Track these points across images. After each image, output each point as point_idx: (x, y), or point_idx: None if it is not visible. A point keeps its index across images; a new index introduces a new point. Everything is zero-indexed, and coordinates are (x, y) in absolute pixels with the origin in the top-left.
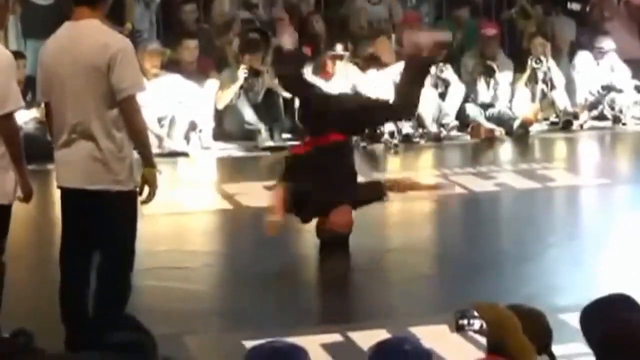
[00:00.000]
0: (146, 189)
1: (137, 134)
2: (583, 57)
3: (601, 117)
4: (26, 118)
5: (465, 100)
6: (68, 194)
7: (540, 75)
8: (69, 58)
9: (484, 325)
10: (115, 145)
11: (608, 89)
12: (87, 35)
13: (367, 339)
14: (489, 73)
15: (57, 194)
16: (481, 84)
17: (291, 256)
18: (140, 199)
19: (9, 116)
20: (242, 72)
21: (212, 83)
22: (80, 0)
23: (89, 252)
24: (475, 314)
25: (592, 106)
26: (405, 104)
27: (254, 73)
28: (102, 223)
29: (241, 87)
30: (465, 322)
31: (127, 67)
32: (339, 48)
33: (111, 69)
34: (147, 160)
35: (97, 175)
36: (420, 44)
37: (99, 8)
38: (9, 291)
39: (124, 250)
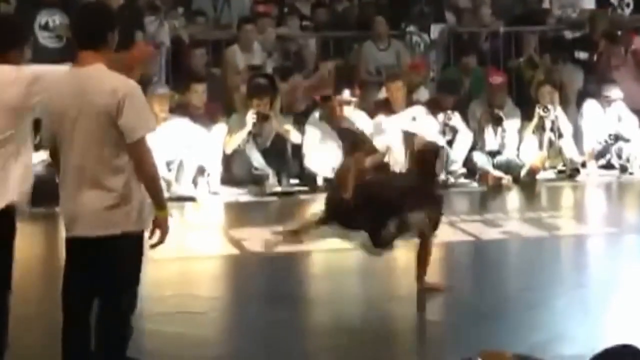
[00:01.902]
0: (157, 232)
1: (148, 177)
2: (590, 106)
3: (608, 166)
4: (35, 160)
5: (473, 147)
6: (76, 242)
7: (547, 124)
8: (77, 102)
9: None
10: (122, 189)
11: (615, 138)
12: (96, 78)
13: None
14: (497, 122)
15: (64, 238)
16: (489, 132)
17: (297, 302)
18: (150, 242)
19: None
20: (250, 117)
21: (221, 128)
22: (85, 44)
23: (92, 295)
24: None
25: (600, 155)
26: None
27: (262, 118)
28: (108, 267)
29: (249, 132)
30: None
31: (136, 109)
32: (346, 94)
33: (120, 111)
34: (159, 203)
35: (105, 222)
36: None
37: (104, 52)
38: (15, 331)
39: (128, 294)
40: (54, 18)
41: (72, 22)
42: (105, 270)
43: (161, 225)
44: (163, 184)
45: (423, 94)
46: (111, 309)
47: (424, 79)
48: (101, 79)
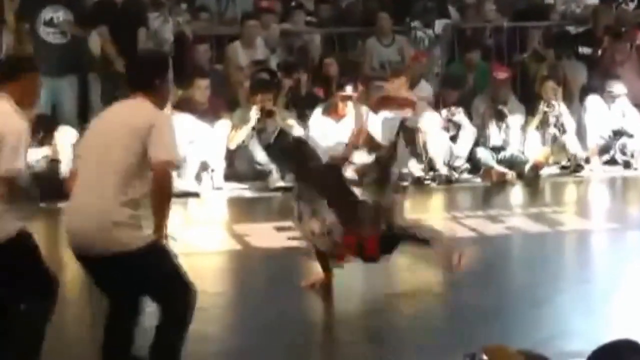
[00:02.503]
0: None
1: (161, 202)
2: (594, 102)
3: (612, 161)
4: (37, 156)
5: (477, 143)
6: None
7: (551, 119)
8: (113, 124)
9: None
10: (131, 211)
11: (619, 133)
12: (136, 107)
13: None
14: (500, 117)
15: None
16: (492, 128)
17: (301, 298)
18: None
19: None
20: (254, 113)
21: (224, 123)
22: (134, 85)
23: (127, 310)
24: (484, 357)
25: (603, 151)
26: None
27: (266, 114)
28: (131, 282)
29: (253, 128)
30: None
31: (165, 135)
32: (348, 89)
33: (150, 133)
34: (158, 230)
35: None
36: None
37: (153, 95)
38: None
39: (169, 304)
40: (58, 14)
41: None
42: (128, 283)
43: None
44: None
45: (425, 88)
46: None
47: (426, 70)
48: (141, 108)
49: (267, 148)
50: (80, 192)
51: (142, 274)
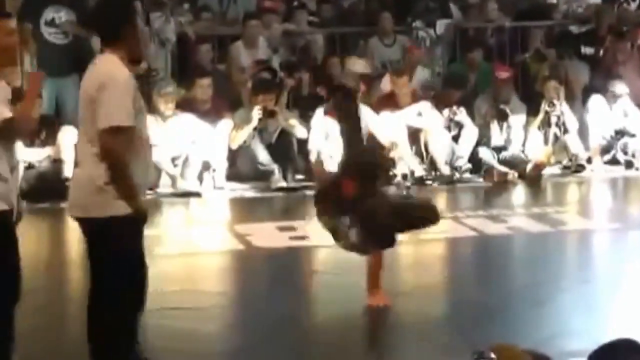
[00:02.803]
0: None
1: (114, 177)
2: (596, 101)
3: (614, 161)
4: (40, 157)
5: (478, 143)
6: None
7: (553, 119)
8: (82, 88)
9: None
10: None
11: (621, 133)
12: (94, 69)
13: None
14: (502, 117)
15: (69, 233)
16: (494, 127)
17: (302, 298)
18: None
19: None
20: (256, 113)
21: (226, 123)
22: (101, 34)
23: (95, 280)
24: (493, 355)
25: (605, 150)
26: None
27: (268, 113)
28: (95, 250)
29: (255, 128)
30: None
31: (110, 98)
32: None
33: (97, 98)
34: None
35: (90, 204)
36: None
37: (117, 46)
38: (21, 332)
39: (113, 284)
40: (60, 15)
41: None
42: (94, 251)
43: None
44: (168, 180)
45: (422, 73)
46: (102, 301)
47: (421, 61)
48: (100, 66)
49: None
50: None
51: (103, 244)
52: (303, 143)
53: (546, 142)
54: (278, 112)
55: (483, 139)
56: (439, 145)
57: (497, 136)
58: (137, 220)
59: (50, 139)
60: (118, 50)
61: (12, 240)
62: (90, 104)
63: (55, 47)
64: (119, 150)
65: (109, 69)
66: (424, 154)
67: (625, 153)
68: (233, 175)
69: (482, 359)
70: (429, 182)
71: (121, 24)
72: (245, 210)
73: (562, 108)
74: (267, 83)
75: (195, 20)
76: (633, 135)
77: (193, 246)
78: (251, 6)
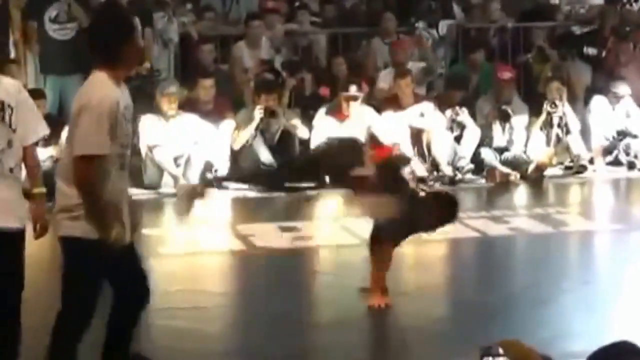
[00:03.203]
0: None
1: (87, 204)
2: (598, 102)
3: (616, 162)
4: (43, 156)
5: (481, 143)
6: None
7: (555, 120)
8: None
9: None
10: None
11: (623, 134)
12: (85, 86)
13: None
14: (505, 118)
15: None
16: (496, 128)
17: (304, 298)
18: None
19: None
20: (258, 112)
21: (229, 123)
22: (97, 56)
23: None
24: (500, 351)
25: (607, 151)
26: None
27: (270, 113)
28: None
29: (257, 128)
30: (489, 359)
31: (83, 123)
32: (353, 89)
33: (76, 121)
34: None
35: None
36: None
37: (112, 67)
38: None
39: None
40: (65, 10)
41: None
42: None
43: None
44: (171, 180)
45: (413, 66)
46: None
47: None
48: (84, 87)
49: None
50: None
51: (66, 264)
52: (305, 143)
53: (548, 142)
54: (279, 112)
55: (485, 140)
56: (441, 145)
57: (499, 137)
58: (105, 246)
59: (53, 139)
60: (113, 70)
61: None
62: (72, 125)
63: (59, 43)
64: (91, 180)
65: (94, 91)
66: (426, 154)
67: (628, 154)
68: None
69: (489, 355)
70: (431, 182)
71: (119, 46)
72: (247, 210)
73: (564, 109)
74: (269, 83)
75: (197, 20)
76: (635, 136)
77: (195, 246)
78: (253, 6)
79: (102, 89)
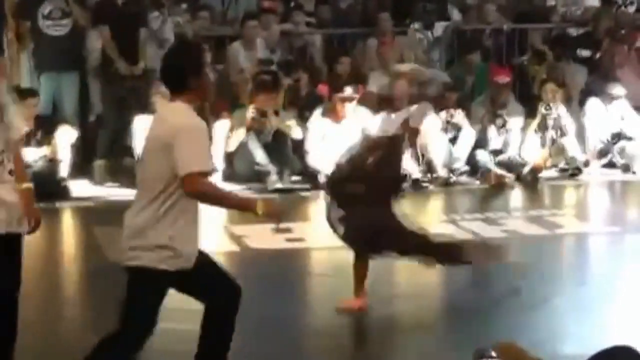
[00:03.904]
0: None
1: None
2: (593, 104)
3: (611, 164)
4: (36, 156)
5: (476, 145)
6: None
7: (550, 122)
8: (150, 136)
9: None
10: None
11: (618, 136)
12: (168, 115)
13: None
14: (500, 123)
15: (64, 234)
16: (492, 130)
17: (298, 299)
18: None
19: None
20: (249, 113)
21: (223, 124)
22: (169, 85)
23: None
24: (494, 353)
25: (602, 154)
26: None
27: (261, 114)
28: None
29: (250, 128)
30: None
31: (187, 145)
32: (348, 91)
33: (174, 144)
34: None
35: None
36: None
37: (186, 94)
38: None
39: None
40: (59, 5)
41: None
42: None
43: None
44: None
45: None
46: None
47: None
48: (170, 116)
49: None
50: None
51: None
52: (299, 144)
53: (543, 145)
54: (269, 112)
55: (480, 142)
56: (436, 147)
57: (494, 139)
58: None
59: (47, 139)
60: (187, 98)
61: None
62: (162, 151)
63: (53, 39)
64: (208, 189)
65: (183, 117)
66: (421, 156)
67: (623, 156)
68: (229, 176)
69: (483, 358)
70: (425, 184)
71: (190, 76)
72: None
73: (559, 111)
74: (267, 83)
75: (193, 20)
76: (630, 139)
77: None
78: (252, 6)
79: (191, 115)
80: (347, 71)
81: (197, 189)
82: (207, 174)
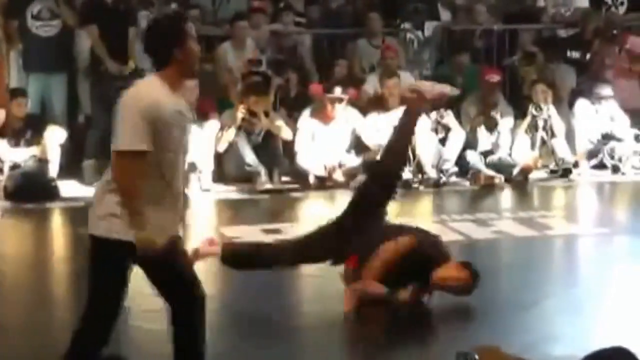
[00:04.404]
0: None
1: (122, 198)
2: (583, 106)
3: (600, 165)
4: (25, 156)
5: (466, 146)
6: None
7: (540, 123)
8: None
9: None
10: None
11: (608, 137)
12: (130, 90)
13: None
14: (491, 123)
15: (55, 234)
16: (482, 131)
17: (287, 300)
18: None
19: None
20: (239, 113)
21: (213, 124)
22: (154, 59)
23: None
24: (476, 356)
25: (592, 155)
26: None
27: (251, 114)
28: None
29: (240, 128)
30: None
31: (121, 121)
32: (337, 91)
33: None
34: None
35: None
36: (423, 93)
37: (171, 67)
38: (4, 334)
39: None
40: (49, 4)
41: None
42: None
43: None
44: None
45: (407, 77)
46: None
47: (399, 62)
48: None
49: None
50: None
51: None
52: (289, 144)
53: (533, 146)
54: (259, 112)
55: (470, 143)
56: (426, 148)
57: (484, 140)
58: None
59: (36, 139)
60: (167, 74)
61: None
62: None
63: (42, 40)
64: (128, 177)
65: (141, 92)
66: (411, 156)
67: (612, 157)
68: (219, 176)
69: None
70: (415, 185)
71: (172, 49)
72: (231, 212)
73: (549, 112)
74: (259, 85)
75: None
76: (620, 140)
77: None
78: (242, 6)
79: (155, 92)
80: (344, 73)
81: (114, 172)
82: (135, 154)
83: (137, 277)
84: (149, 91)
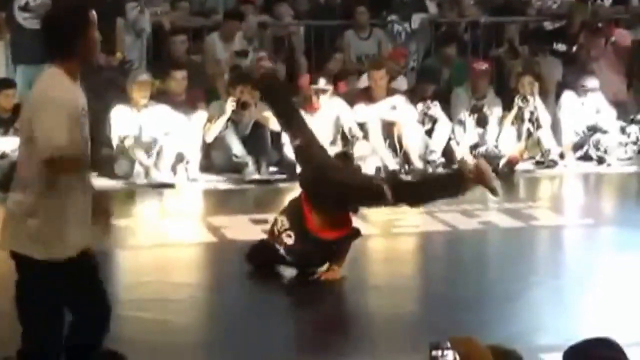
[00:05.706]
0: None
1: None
2: (569, 97)
3: (586, 157)
4: (14, 146)
5: (452, 137)
6: None
7: (526, 115)
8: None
9: (457, 358)
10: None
11: (593, 129)
12: (39, 83)
13: None
14: (480, 115)
15: None
16: (469, 123)
17: (275, 290)
18: None
19: None
20: (229, 104)
21: (201, 115)
22: (53, 53)
23: None
24: (449, 345)
25: (577, 146)
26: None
27: (242, 105)
28: None
29: (229, 119)
30: (438, 353)
31: (44, 119)
32: (322, 82)
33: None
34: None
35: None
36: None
37: (66, 61)
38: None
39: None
40: None
41: None
42: None
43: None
44: (142, 171)
45: (402, 83)
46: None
47: (402, 69)
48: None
49: None
50: None
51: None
52: (277, 135)
53: (519, 137)
54: (251, 104)
55: (457, 134)
56: (413, 139)
57: (471, 131)
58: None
59: None
60: (67, 64)
61: None
62: (27, 124)
63: (29, 32)
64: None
65: (47, 86)
66: (398, 147)
67: (598, 149)
68: (207, 167)
69: (438, 349)
70: (402, 176)
71: (76, 40)
72: (218, 202)
73: (535, 104)
74: (245, 74)
75: (171, 11)
76: (605, 132)
77: (166, 238)
78: None
79: (60, 85)
80: (339, 67)
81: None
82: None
83: (126, 268)
84: (55, 85)
